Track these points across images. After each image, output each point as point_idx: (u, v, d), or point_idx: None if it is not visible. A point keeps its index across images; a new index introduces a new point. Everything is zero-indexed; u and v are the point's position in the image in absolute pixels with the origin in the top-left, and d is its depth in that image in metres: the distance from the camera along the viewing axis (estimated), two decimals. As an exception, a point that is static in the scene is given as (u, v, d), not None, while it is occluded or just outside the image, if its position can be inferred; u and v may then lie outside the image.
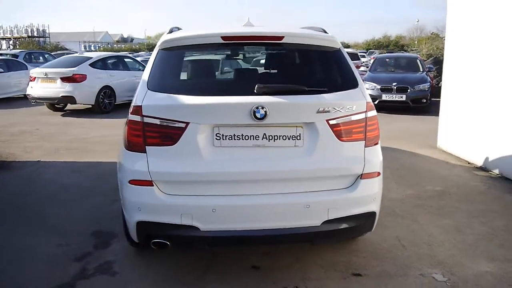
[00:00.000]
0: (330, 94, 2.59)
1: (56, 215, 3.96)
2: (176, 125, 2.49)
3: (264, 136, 2.54)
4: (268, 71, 3.40)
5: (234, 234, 2.52)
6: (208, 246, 2.72)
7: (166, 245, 2.58)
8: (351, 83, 2.68)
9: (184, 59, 2.99)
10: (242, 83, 2.82)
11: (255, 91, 2.51)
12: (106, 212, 4.00)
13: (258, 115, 2.45)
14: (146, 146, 2.53)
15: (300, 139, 2.56)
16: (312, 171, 2.57)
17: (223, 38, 2.70)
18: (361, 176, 2.64)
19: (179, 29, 3.23)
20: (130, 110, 2.61)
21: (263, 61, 3.53)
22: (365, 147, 2.65)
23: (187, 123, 2.49)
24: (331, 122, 2.56)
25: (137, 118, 2.54)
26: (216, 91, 2.63)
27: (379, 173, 2.71)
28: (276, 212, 2.53)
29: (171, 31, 3.13)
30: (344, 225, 2.62)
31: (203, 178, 2.52)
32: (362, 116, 2.62)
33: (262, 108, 2.45)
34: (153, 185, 2.51)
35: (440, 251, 3.26)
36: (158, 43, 2.82)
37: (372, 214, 2.69)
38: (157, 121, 2.51)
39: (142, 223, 2.55)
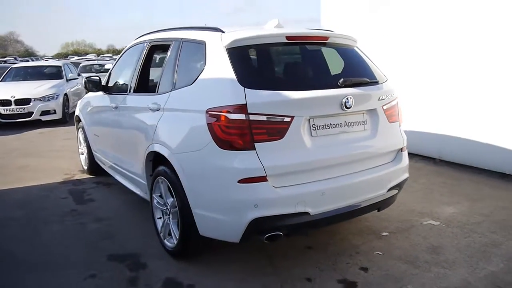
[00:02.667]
0: (382, 84, 3.12)
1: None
2: (284, 120, 2.61)
3: (345, 123, 2.89)
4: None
5: (337, 213, 2.79)
6: (313, 229, 2.88)
7: (279, 236, 2.65)
8: (384, 76, 3.25)
9: (255, 57, 3.02)
10: (321, 77, 3.06)
11: (339, 83, 2.84)
12: None
13: (347, 105, 2.80)
14: (255, 143, 2.55)
15: (366, 123, 3.01)
16: (377, 149, 3.05)
17: (288, 37, 2.90)
18: (401, 150, 3.26)
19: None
20: (221, 109, 2.57)
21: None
22: (399, 126, 3.28)
23: (292, 117, 2.63)
24: (384, 107, 3.10)
25: (240, 116, 2.54)
26: (306, 86, 2.82)
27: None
28: (363, 187, 2.92)
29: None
30: (395, 191, 3.19)
31: (310, 166, 2.70)
32: (396, 101, 3.23)
33: (350, 98, 2.80)
34: (267, 180, 2.56)
35: (415, 206, 4.17)
36: (224, 44, 2.78)
37: (407, 179, 3.34)
38: (264, 118, 2.57)
39: (257, 219, 2.56)
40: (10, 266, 3.15)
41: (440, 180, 4.97)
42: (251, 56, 2.89)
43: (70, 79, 10.71)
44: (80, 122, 5.43)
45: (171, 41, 3.46)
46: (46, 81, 10.01)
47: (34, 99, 9.18)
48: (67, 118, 9.93)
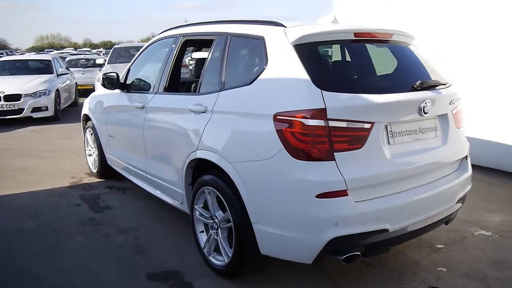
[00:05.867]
0: (451, 87, 2.87)
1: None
2: (364, 126, 2.33)
3: (420, 130, 2.63)
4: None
5: (413, 228, 2.54)
6: (389, 247, 2.62)
7: (357, 257, 2.38)
8: (446, 77, 3.01)
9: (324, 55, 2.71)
10: (395, 79, 2.77)
11: (415, 86, 2.57)
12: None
13: (425, 110, 2.54)
14: (334, 153, 2.27)
15: (438, 129, 2.76)
16: (447, 158, 2.80)
17: (356, 34, 2.62)
18: (466, 157, 3.02)
19: None
20: (294, 114, 2.27)
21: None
22: (463, 132, 3.04)
23: (373, 123, 2.36)
24: (453, 112, 2.86)
25: (319, 122, 2.24)
26: (383, 88, 2.55)
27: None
28: (437, 199, 2.67)
29: None
30: (460, 203, 2.95)
31: (389, 178, 2.44)
32: (460, 105, 3.00)
33: (428, 102, 2.54)
34: (348, 194, 2.28)
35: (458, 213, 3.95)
36: (290, 40, 2.48)
37: (468, 190, 3.11)
38: (344, 124, 2.29)
39: (336, 239, 2.27)
40: (35, 288, 2.78)
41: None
42: (321, 54, 2.59)
43: (61, 74, 10.14)
44: (89, 122, 5.02)
45: (213, 35, 3.12)
46: (36, 76, 9.43)
47: (25, 95, 8.62)
48: (59, 115, 9.40)
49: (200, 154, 2.85)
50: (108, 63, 11.12)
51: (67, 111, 10.46)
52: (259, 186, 2.45)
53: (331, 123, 2.26)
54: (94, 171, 5.08)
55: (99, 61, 12.47)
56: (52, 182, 4.95)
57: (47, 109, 8.88)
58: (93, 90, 12.53)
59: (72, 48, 55.17)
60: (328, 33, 2.60)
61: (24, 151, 6.55)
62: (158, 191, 3.64)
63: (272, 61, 2.53)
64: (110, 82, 4.12)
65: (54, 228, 3.67)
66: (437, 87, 2.71)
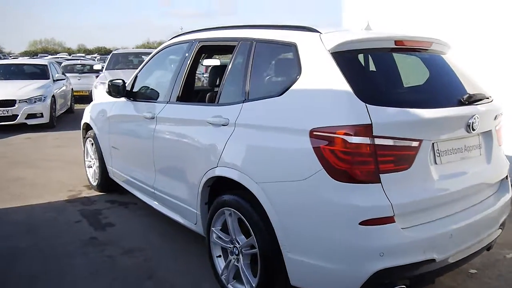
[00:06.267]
0: (494, 101, 2.64)
1: None
2: (412, 145, 2.09)
3: (465, 148, 2.39)
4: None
5: (459, 257, 2.28)
6: (433, 278, 2.36)
7: None
8: (487, 91, 2.78)
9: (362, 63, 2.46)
10: (440, 91, 2.53)
11: (463, 100, 2.33)
12: None
13: (474, 126, 2.30)
14: (380, 174, 2.01)
15: (481, 147, 2.52)
16: (491, 178, 2.57)
17: (396, 42, 2.38)
18: (506, 178, 2.78)
19: None
20: (335, 130, 2.02)
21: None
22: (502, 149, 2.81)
23: (421, 141, 2.12)
24: (496, 128, 2.63)
25: (364, 140, 1.99)
26: (430, 102, 2.30)
27: None
28: (482, 224, 2.42)
29: None
30: (500, 229, 2.71)
31: (436, 202, 2.19)
32: (502, 121, 2.77)
33: (477, 118, 2.31)
34: (395, 221, 2.02)
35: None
36: (327, 47, 2.24)
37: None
38: (391, 142, 2.04)
39: (382, 271, 2.01)
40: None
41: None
42: (361, 64, 2.35)
43: (57, 80, 9.82)
44: (90, 131, 4.73)
45: (235, 41, 2.87)
46: (32, 81, 9.10)
47: (20, 100, 8.29)
48: (55, 123, 9.06)
49: (220, 172, 2.58)
50: (106, 69, 10.83)
51: (62, 118, 10.13)
52: (292, 210, 2.18)
53: (377, 141, 2.01)
54: (94, 184, 4.78)
55: (97, 67, 12.18)
56: (48, 195, 4.63)
57: (42, 116, 8.56)
58: (89, 96, 12.27)
59: (66, 54, 54.74)
60: (368, 40, 2.36)
61: (19, 160, 6.22)
62: (167, 209, 3.35)
63: (306, 70, 2.28)
64: (115, 89, 3.84)
65: (53, 248, 3.36)
66: (482, 102, 2.48)
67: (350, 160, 2.00)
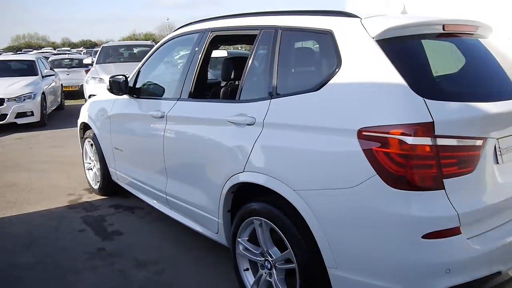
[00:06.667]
0: None
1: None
2: (476, 144, 1.83)
3: (520, 144, 2.14)
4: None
5: None
6: None
7: None
8: None
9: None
10: (498, 82, 2.26)
11: None
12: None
13: None
14: (443, 180, 1.75)
15: None
16: None
17: (445, 27, 2.11)
18: None
19: None
20: (389, 130, 1.75)
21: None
22: None
23: (485, 139, 1.86)
24: None
25: (425, 140, 1.73)
26: (491, 94, 2.04)
27: None
28: None
29: None
30: None
31: (502, 206, 1.94)
32: None
33: None
34: (461, 232, 1.77)
35: None
36: (371, 33, 1.96)
37: None
38: (455, 142, 1.78)
39: None
40: None
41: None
42: (413, 52, 2.06)
43: (46, 76, 9.39)
44: (88, 131, 4.41)
45: (256, 29, 2.56)
46: (20, 78, 8.66)
47: (8, 99, 7.86)
48: (46, 121, 8.67)
49: (248, 177, 2.30)
50: (96, 63, 10.42)
51: (53, 115, 9.72)
52: (339, 221, 1.91)
53: (440, 141, 1.74)
54: (96, 187, 4.47)
55: (87, 61, 11.74)
56: (47, 201, 4.32)
57: (32, 114, 8.15)
58: (79, 91, 11.85)
59: (51, 48, 53.54)
60: (416, 26, 2.07)
61: (11, 163, 5.86)
62: (183, 217, 3.07)
63: (348, 61, 1.99)
64: (117, 86, 3.52)
65: (58, 263, 3.07)
66: None
67: (409, 164, 1.74)
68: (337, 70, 2.02)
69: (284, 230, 2.13)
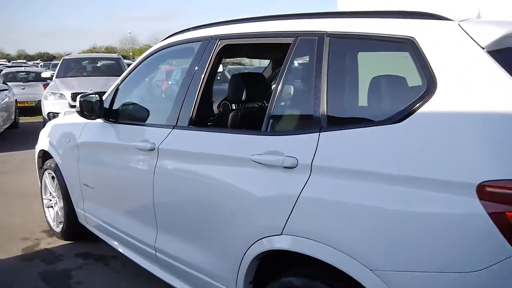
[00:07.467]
0: None
1: None
2: None
3: None
4: None
5: None
6: None
7: None
8: None
9: None
10: None
11: None
12: None
13: None
14: None
15: None
16: None
17: None
18: None
19: None
20: None
21: None
22: None
23: None
24: None
25: None
26: None
27: None
28: None
29: None
30: None
31: None
32: None
33: None
34: None
35: None
36: (481, 42, 1.36)
37: None
38: None
39: None
40: None
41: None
42: None
43: None
44: (49, 161, 3.59)
45: (289, 36, 1.91)
46: None
47: (-48, 117, 6.83)
48: (-4, 142, 7.63)
49: (290, 244, 1.63)
50: (56, 77, 9.45)
51: (6, 135, 8.64)
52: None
53: None
54: (57, 230, 3.63)
55: (45, 74, 10.72)
56: (-5, 250, 3.45)
57: (-20, 135, 7.11)
58: (36, 107, 10.80)
59: (4, 60, 50.88)
60: None
61: (-49, 196, 4.88)
62: (178, 281, 2.33)
63: (446, 80, 1.37)
64: (88, 107, 2.78)
65: None
66: None
67: None
68: (429, 93, 1.40)
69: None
